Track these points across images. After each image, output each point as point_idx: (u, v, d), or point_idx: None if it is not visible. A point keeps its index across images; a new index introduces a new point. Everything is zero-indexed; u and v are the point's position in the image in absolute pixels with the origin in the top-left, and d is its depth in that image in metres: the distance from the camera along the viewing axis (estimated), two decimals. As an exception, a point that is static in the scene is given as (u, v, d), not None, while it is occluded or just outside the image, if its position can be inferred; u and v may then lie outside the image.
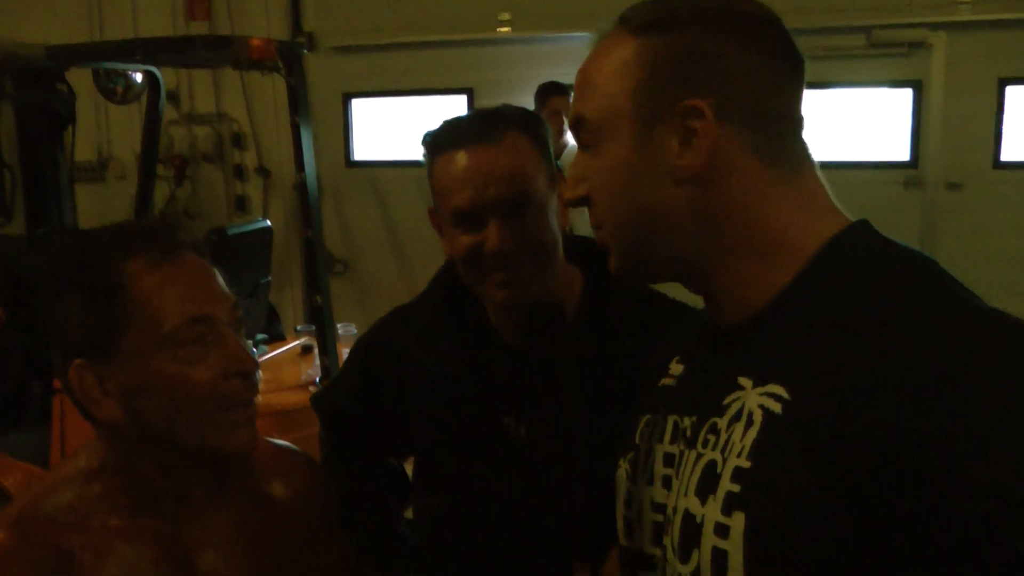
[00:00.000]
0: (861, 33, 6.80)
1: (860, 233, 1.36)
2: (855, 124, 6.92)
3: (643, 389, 1.62)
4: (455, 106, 7.57)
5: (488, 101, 7.18)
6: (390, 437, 2.35)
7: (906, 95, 6.88)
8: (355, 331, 5.39)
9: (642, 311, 2.01)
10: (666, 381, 1.56)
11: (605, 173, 1.40)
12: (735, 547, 1.24)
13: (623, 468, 1.57)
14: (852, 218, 1.39)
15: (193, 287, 1.59)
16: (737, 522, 1.24)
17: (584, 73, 1.44)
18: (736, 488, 1.25)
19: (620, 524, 1.55)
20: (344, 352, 5.11)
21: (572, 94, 1.50)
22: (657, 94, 1.35)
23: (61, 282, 1.59)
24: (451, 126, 2.05)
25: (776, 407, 1.25)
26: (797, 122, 1.41)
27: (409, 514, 2.44)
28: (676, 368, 1.56)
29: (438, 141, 2.03)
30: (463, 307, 2.16)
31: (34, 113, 6.45)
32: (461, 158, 1.98)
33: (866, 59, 6.85)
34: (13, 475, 5.08)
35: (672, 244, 1.39)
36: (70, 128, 6.48)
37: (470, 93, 7.55)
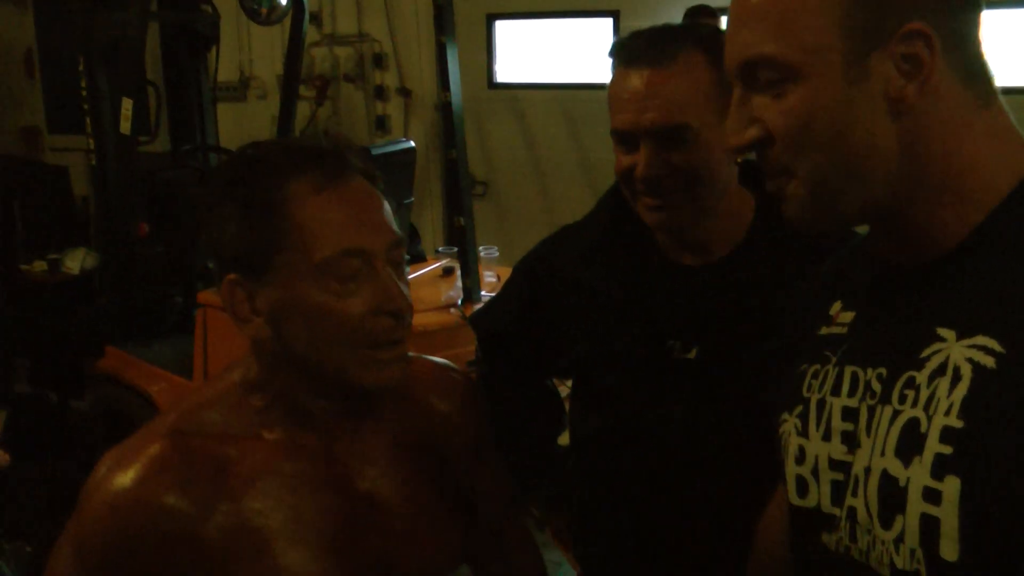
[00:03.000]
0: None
1: None
2: (1003, 47, 6.64)
3: (801, 337, 1.55)
4: (600, 28, 7.52)
5: (634, 23, 7.02)
6: (550, 357, 2.34)
7: None
8: (496, 253, 5.40)
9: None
10: (833, 329, 1.49)
11: (804, 111, 1.29)
12: (949, 514, 1.19)
13: (791, 423, 1.49)
14: None
15: (354, 216, 1.55)
16: (951, 487, 1.18)
17: (756, 5, 1.32)
18: (947, 450, 1.20)
19: (790, 482, 1.48)
20: (485, 274, 5.11)
21: (731, 24, 1.36)
22: (871, 18, 1.25)
23: (222, 194, 1.57)
24: (631, 41, 2.01)
25: (988, 361, 1.19)
26: (982, 45, 1.32)
27: (564, 439, 2.42)
28: (844, 316, 1.48)
29: (617, 55, 2.01)
30: (630, 226, 2.11)
31: (178, 33, 6.61)
32: (628, 77, 1.95)
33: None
34: (157, 384, 5.23)
35: (872, 186, 1.31)
36: (213, 48, 6.57)
37: (616, 15, 7.43)
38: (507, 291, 2.45)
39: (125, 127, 5.53)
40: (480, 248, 5.42)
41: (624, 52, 1.98)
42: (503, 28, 8.04)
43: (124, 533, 1.52)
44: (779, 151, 1.32)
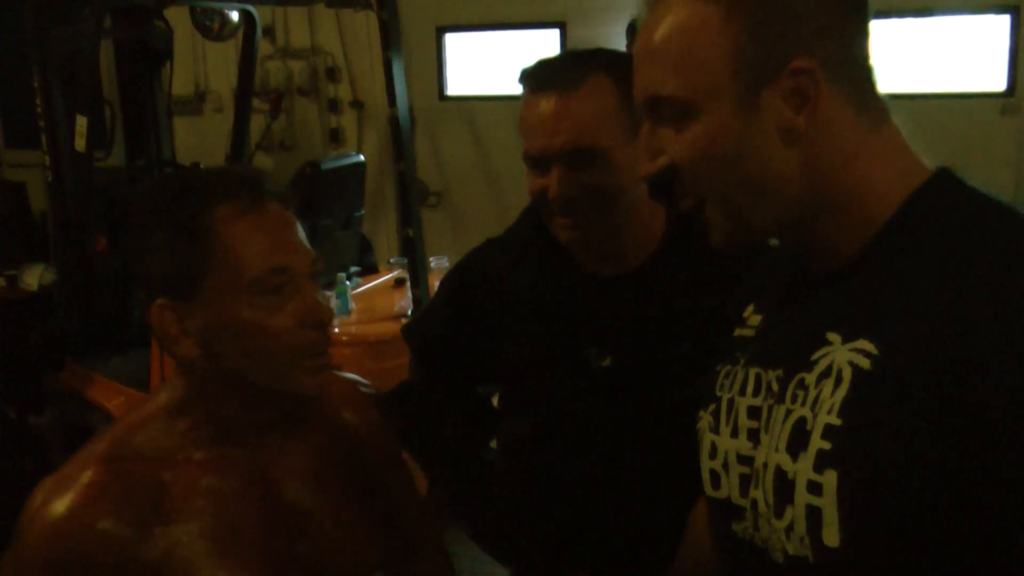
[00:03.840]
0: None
1: (941, 184, 1.38)
2: (950, 53, 6.75)
3: (720, 337, 1.65)
4: (547, 40, 7.56)
5: (580, 33, 7.17)
6: (479, 364, 2.40)
7: (1003, 21, 6.70)
8: (448, 263, 5.47)
9: None
10: (743, 331, 1.59)
11: (702, 144, 1.37)
12: (829, 504, 1.27)
13: (705, 420, 1.58)
14: (931, 166, 1.40)
15: (276, 238, 1.64)
16: (830, 479, 1.27)
17: (655, 47, 1.40)
18: (827, 446, 1.28)
19: (705, 475, 1.56)
20: (436, 284, 5.18)
21: (635, 63, 1.44)
22: (759, 59, 1.34)
23: (151, 221, 1.64)
24: (539, 68, 2.08)
25: (865, 363, 1.27)
26: (872, 67, 1.41)
27: (494, 444, 2.49)
28: (753, 319, 1.58)
29: (526, 82, 2.07)
30: (548, 240, 2.18)
31: (133, 49, 6.57)
32: (537, 103, 2.01)
33: (962, -16, 6.66)
34: (116, 399, 5.24)
35: (780, 207, 1.39)
36: (168, 63, 6.58)
37: (562, 27, 7.48)
38: (437, 301, 2.52)
39: (80, 144, 5.52)
40: (431, 258, 5.50)
41: (533, 79, 2.05)
42: (453, 41, 8.06)
43: (63, 560, 1.56)
44: (685, 179, 1.41)
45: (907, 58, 6.47)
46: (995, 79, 6.62)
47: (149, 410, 1.73)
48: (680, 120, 1.38)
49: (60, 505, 1.58)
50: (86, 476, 1.61)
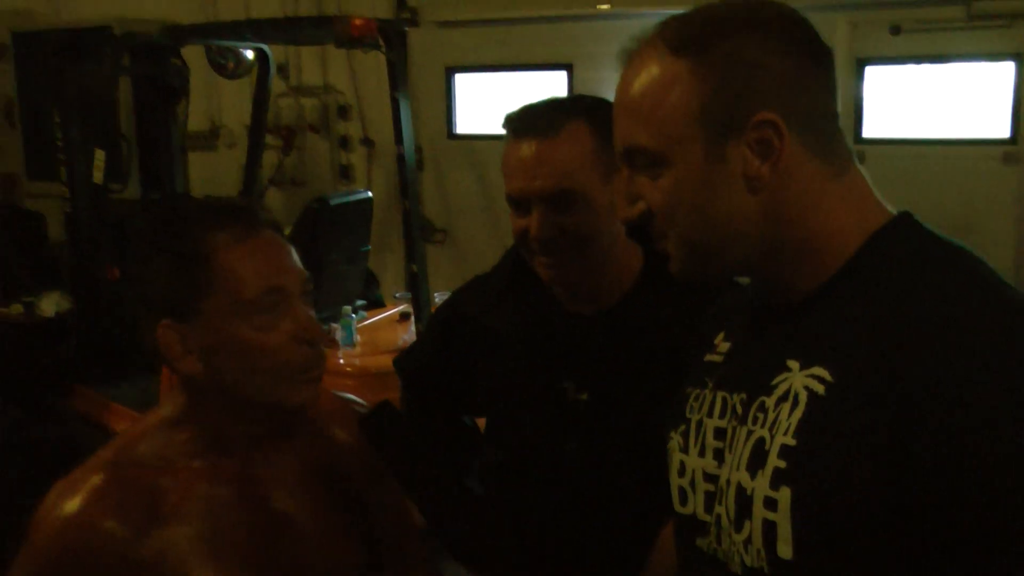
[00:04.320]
0: (961, 4, 6.44)
1: (900, 227, 1.47)
2: (953, 100, 6.70)
3: (688, 363, 1.73)
4: (555, 81, 7.63)
5: (587, 76, 7.25)
6: (463, 395, 2.48)
7: (1007, 68, 6.63)
8: (450, 299, 5.54)
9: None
10: (712, 357, 1.66)
11: (674, 191, 1.45)
12: (783, 518, 1.36)
13: (675, 440, 1.65)
14: (893, 210, 1.49)
15: (270, 261, 1.74)
16: (784, 496, 1.36)
17: (630, 101, 1.48)
18: (783, 464, 1.37)
19: (674, 492, 1.64)
20: (437, 320, 5.28)
21: (614, 115, 1.52)
22: (725, 112, 1.41)
23: (153, 248, 1.75)
24: (521, 113, 2.15)
25: (820, 388, 1.36)
26: (836, 117, 1.49)
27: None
28: (723, 345, 1.66)
29: (509, 126, 2.14)
30: (529, 278, 2.25)
31: (149, 86, 6.72)
32: (519, 147, 2.08)
33: (965, 32, 6.53)
34: (125, 423, 5.34)
35: (745, 249, 1.47)
36: (184, 100, 6.70)
37: (569, 68, 7.58)
38: (425, 335, 2.62)
39: (97, 177, 5.63)
40: (436, 294, 5.56)
41: (515, 124, 2.12)
42: (462, 81, 8.12)
43: (70, 554, 1.68)
44: (659, 223, 1.49)
45: (911, 104, 6.52)
46: (998, 126, 6.63)
47: (152, 422, 1.85)
48: (654, 168, 1.46)
49: (69, 505, 1.70)
50: (92, 480, 1.73)
